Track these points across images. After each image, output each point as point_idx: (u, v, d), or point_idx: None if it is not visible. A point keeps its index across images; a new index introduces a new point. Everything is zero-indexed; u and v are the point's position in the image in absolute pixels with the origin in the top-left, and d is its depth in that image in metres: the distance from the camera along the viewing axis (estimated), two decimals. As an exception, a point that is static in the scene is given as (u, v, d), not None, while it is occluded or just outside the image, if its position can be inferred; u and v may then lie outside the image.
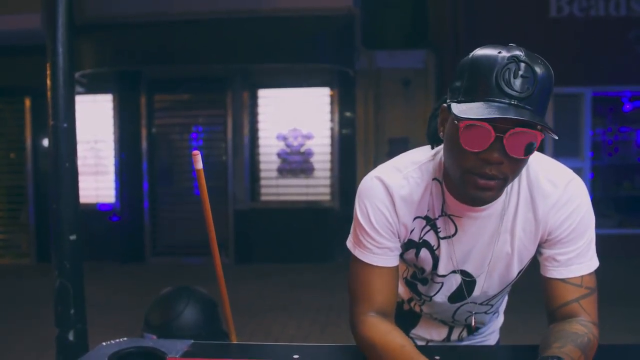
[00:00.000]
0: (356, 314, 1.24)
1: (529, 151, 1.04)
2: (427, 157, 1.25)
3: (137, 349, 1.23)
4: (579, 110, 7.46)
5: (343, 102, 7.58)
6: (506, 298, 1.58)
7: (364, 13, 7.81)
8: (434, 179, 1.22)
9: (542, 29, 7.20)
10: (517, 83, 1.01)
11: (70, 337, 2.20)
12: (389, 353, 1.13)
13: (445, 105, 1.13)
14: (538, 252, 1.25)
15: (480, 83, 1.03)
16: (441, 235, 1.24)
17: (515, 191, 1.20)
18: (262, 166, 7.72)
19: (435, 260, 1.27)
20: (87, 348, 2.24)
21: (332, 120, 7.56)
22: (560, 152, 7.44)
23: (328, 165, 7.61)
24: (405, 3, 9.12)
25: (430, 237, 1.25)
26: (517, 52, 1.03)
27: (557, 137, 1.03)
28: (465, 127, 1.03)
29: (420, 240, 1.26)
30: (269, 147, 7.67)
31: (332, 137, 7.57)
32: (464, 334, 1.48)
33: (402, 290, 1.50)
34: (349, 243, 1.28)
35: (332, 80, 7.49)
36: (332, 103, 7.55)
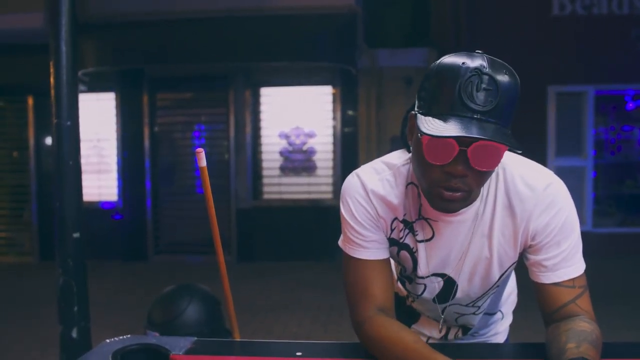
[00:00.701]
0: (359, 313, 1.24)
1: (492, 164, 1.04)
2: (402, 161, 1.26)
3: (140, 346, 1.24)
4: (582, 109, 7.45)
5: (345, 101, 7.57)
6: (515, 299, 1.58)
7: (366, 11, 7.80)
8: (410, 183, 1.23)
9: (544, 27, 7.19)
10: (480, 96, 1.01)
11: (74, 334, 2.21)
12: (404, 351, 1.12)
13: (413, 112, 1.14)
14: (525, 257, 1.24)
15: (444, 95, 1.03)
16: (418, 238, 1.25)
17: (492, 195, 1.20)
18: (265, 164, 7.72)
19: (414, 261, 1.28)
20: (90, 345, 2.25)
21: (334, 118, 7.56)
22: (563, 151, 7.44)
23: (330, 164, 7.61)
24: (407, 1, 9.12)
25: (410, 240, 1.27)
26: (480, 63, 1.03)
27: (520, 152, 1.04)
28: (429, 141, 1.04)
29: (401, 242, 1.28)
30: (271, 145, 7.68)
31: (334, 135, 7.56)
32: (459, 334, 1.48)
33: (401, 287, 1.51)
34: (340, 242, 1.31)
35: (334, 79, 7.49)
36: (334, 101, 7.55)
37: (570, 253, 1.18)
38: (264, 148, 7.71)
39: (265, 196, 7.76)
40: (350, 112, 7.64)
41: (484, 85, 1.01)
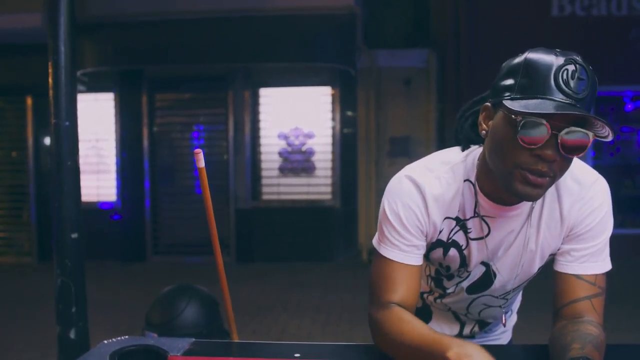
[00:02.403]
0: (377, 306, 1.22)
1: (581, 150, 1.05)
2: (459, 158, 1.25)
3: (138, 347, 1.23)
4: (581, 110, 7.45)
5: (344, 101, 7.57)
6: (520, 297, 1.59)
7: (366, 12, 7.81)
8: (465, 180, 1.23)
9: (543, 28, 7.19)
10: (575, 84, 1.03)
11: (72, 335, 2.20)
12: (417, 338, 1.11)
13: (488, 104, 1.15)
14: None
15: (538, 81, 1.04)
16: (471, 236, 1.25)
17: None
18: (264, 165, 7.72)
19: (463, 259, 1.28)
20: (88, 346, 2.24)
21: (333, 119, 7.56)
22: (562, 152, 7.44)
23: (329, 164, 7.61)
24: (407, 2, 9.12)
25: (460, 238, 1.26)
26: (573, 55, 1.06)
27: (611, 139, 1.06)
28: (523, 122, 1.04)
29: (449, 241, 1.27)
30: (270, 146, 7.67)
31: (334, 136, 7.56)
32: (476, 329, 1.48)
33: (426, 285, 1.50)
34: (375, 241, 1.28)
35: (334, 79, 7.49)
36: (333, 102, 7.55)
37: (599, 249, 1.21)
38: (263, 149, 7.71)
39: (264, 197, 7.75)
40: (349, 113, 7.64)
41: (577, 74, 1.03)
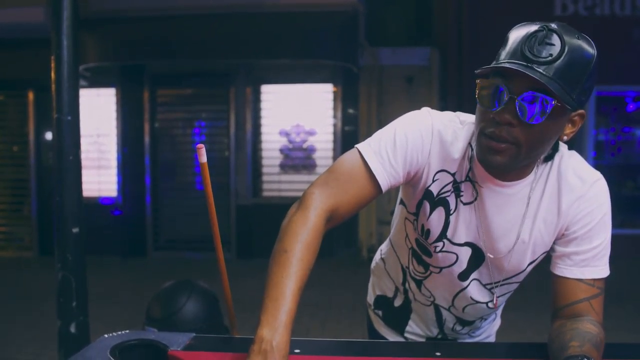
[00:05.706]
0: (310, 193, 1.18)
1: (540, 116, 1.03)
2: (472, 120, 1.25)
3: (138, 341, 1.23)
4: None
5: (346, 99, 7.57)
6: (504, 302, 1.57)
7: (368, 9, 7.79)
8: (469, 143, 1.22)
9: (546, 28, 7.18)
10: (540, 49, 1.01)
11: (72, 329, 2.21)
12: (283, 260, 1.20)
13: None
14: (552, 248, 1.24)
15: (509, 48, 1.05)
16: (463, 200, 1.23)
17: (544, 179, 1.20)
18: (265, 162, 7.72)
19: (447, 224, 1.25)
20: (88, 340, 2.25)
21: (334, 116, 7.55)
22: (563, 151, 7.43)
23: (330, 162, 7.60)
24: (410, 0, 9.10)
25: (451, 199, 1.24)
26: (553, 24, 1.04)
27: (570, 108, 1.03)
28: (482, 86, 1.05)
29: (438, 198, 1.24)
30: (272, 142, 7.67)
31: (335, 133, 7.56)
32: (457, 326, 1.45)
33: (395, 274, 1.47)
34: (360, 144, 1.24)
35: (336, 77, 7.48)
36: (335, 99, 7.54)
37: (600, 253, 1.19)
38: (264, 145, 7.70)
39: (265, 193, 7.76)
40: (351, 111, 7.63)
41: (547, 40, 1.01)
